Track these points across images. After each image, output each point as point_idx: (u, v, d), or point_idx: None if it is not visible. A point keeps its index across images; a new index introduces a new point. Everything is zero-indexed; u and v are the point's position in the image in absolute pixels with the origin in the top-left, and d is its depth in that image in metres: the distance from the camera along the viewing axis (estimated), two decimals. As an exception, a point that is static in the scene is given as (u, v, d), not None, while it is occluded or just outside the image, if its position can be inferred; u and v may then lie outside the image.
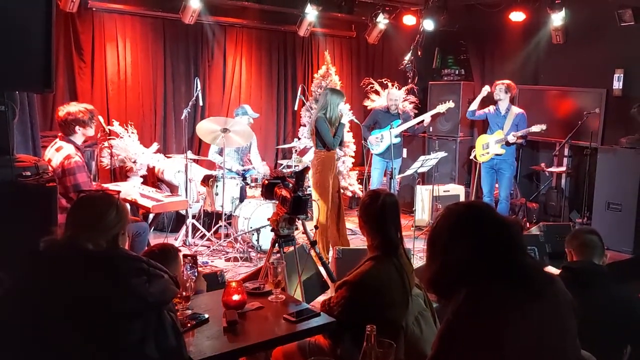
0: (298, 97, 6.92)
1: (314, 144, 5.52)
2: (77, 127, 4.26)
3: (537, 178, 7.81)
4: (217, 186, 6.02)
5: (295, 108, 7.61)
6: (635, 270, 3.95)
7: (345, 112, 5.51)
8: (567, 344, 1.71)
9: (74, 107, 4.30)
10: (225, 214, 5.96)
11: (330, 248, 5.41)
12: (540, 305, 1.66)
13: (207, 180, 6.16)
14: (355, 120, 6.12)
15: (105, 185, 4.94)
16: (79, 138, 4.32)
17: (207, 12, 7.01)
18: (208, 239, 6.13)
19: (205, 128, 5.92)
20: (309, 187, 5.69)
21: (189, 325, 2.38)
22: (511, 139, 6.42)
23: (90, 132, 4.40)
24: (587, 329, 1.81)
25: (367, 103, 7.89)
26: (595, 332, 2.00)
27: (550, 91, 7.41)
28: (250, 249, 5.90)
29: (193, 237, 6.17)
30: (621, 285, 2.62)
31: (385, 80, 7.85)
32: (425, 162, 6.32)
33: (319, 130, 5.38)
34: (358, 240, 6.15)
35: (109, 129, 6.21)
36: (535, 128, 6.33)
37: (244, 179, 6.40)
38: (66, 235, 2.00)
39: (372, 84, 7.92)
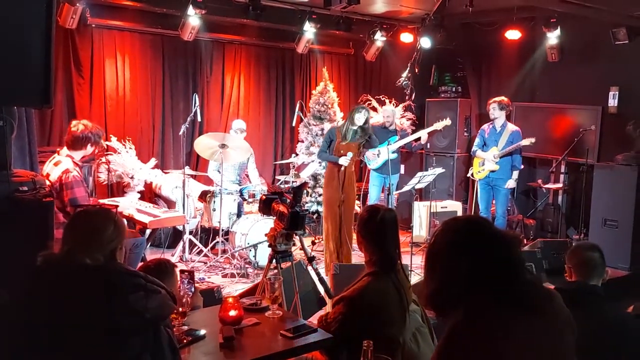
0: (296, 113, 6.95)
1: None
2: (89, 145, 4.31)
3: (534, 195, 7.82)
4: (214, 202, 6.01)
5: (293, 124, 7.64)
6: (631, 288, 3.93)
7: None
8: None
9: (87, 124, 4.35)
10: (222, 230, 5.95)
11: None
12: (540, 321, 1.65)
13: (204, 196, 6.15)
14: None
15: (101, 201, 4.96)
16: (80, 154, 4.35)
17: (206, 29, 7.04)
18: (205, 255, 6.10)
19: (204, 144, 5.93)
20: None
21: (185, 341, 2.36)
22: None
23: (91, 150, 4.47)
24: (581, 349, 1.80)
25: (365, 119, 7.90)
26: (590, 352, 1.99)
27: (546, 108, 7.45)
28: (247, 265, 5.86)
29: (190, 253, 6.14)
30: (616, 303, 2.59)
31: (382, 97, 7.89)
32: (423, 178, 6.33)
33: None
34: (356, 256, 6.12)
35: (107, 145, 6.22)
36: (525, 142, 6.31)
37: (241, 194, 6.40)
38: (63, 250, 1.99)
39: (370, 100, 7.95)
